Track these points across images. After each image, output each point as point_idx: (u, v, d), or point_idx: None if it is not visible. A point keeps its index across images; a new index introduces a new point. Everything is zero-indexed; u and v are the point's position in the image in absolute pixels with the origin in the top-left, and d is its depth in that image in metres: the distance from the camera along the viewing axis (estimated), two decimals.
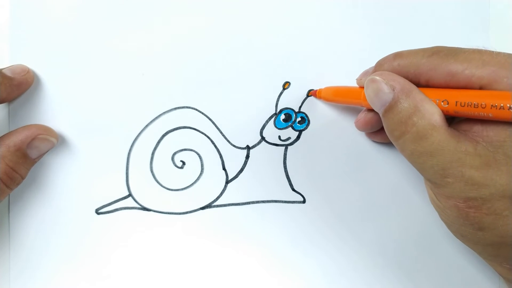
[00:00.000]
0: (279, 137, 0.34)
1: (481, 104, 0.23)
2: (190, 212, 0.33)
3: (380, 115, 0.26)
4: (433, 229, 0.34)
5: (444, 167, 0.23)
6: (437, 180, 0.24)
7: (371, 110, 0.30)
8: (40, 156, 0.31)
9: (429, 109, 0.24)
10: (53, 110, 0.32)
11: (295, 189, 0.34)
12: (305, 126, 0.34)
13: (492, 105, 0.22)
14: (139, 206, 0.33)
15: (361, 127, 0.32)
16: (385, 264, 0.34)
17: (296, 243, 0.33)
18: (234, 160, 0.34)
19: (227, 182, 0.34)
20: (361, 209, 0.34)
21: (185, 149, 0.33)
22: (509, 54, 0.23)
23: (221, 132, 0.34)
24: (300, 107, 0.34)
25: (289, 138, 0.34)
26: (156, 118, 0.33)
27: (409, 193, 0.34)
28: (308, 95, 0.33)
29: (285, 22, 0.34)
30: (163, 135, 0.33)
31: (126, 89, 0.33)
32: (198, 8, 0.33)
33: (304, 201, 0.34)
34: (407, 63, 0.25)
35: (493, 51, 0.23)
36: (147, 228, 0.33)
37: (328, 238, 0.34)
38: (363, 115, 0.31)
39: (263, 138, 0.34)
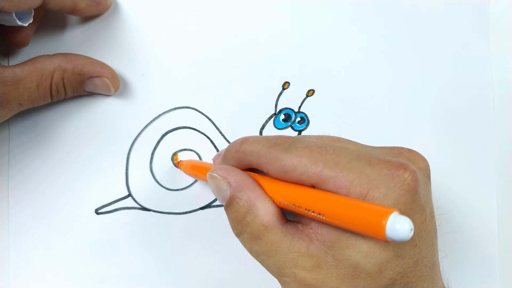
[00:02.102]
0: None
1: (298, 206, 0.22)
2: (190, 212, 0.33)
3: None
4: None
5: (280, 267, 0.23)
6: (277, 278, 0.24)
7: None
8: (91, 93, 0.32)
9: (263, 208, 0.23)
10: (53, 110, 0.32)
11: None
12: (304, 126, 0.34)
13: (306, 209, 0.21)
14: (138, 206, 0.33)
15: None
16: None
17: None
18: None
19: None
20: None
21: (185, 149, 0.33)
22: (339, 150, 0.22)
23: (220, 132, 0.34)
24: (299, 107, 0.34)
25: None
26: (156, 118, 0.33)
27: None
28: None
29: (285, 22, 0.34)
30: (163, 135, 0.33)
31: (126, 89, 0.33)
32: (198, 8, 0.33)
33: None
34: (250, 151, 0.24)
35: (327, 146, 0.22)
36: (147, 228, 0.33)
37: None
38: None
39: None
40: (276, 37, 0.34)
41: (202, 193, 0.33)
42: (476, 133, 0.35)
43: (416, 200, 0.22)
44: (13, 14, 0.26)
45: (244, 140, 0.25)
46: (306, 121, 0.34)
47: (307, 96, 0.34)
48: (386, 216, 0.18)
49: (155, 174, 0.33)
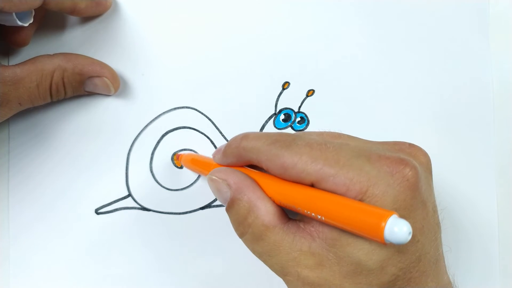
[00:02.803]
0: None
1: (298, 209, 0.22)
2: (190, 212, 0.33)
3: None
4: None
5: (282, 266, 0.23)
6: (281, 277, 0.24)
7: None
8: (91, 93, 0.32)
9: (263, 209, 0.23)
10: (53, 110, 0.33)
11: None
12: (304, 126, 0.34)
13: (306, 211, 0.21)
14: (138, 206, 0.33)
15: None
16: None
17: None
18: None
19: None
20: None
21: (185, 149, 0.33)
22: (339, 146, 0.22)
23: (220, 132, 0.34)
24: (299, 107, 0.34)
25: None
26: (156, 118, 0.33)
27: None
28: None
29: (285, 22, 0.34)
30: (163, 135, 0.33)
31: (126, 89, 0.33)
32: (198, 8, 0.33)
33: None
34: (251, 147, 0.24)
35: (327, 143, 0.22)
36: (147, 228, 0.33)
37: None
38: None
39: None
40: (276, 37, 0.34)
41: (202, 193, 0.33)
42: (476, 133, 0.35)
43: (417, 196, 0.22)
44: (13, 14, 0.26)
45: (245, 136, 0.25)
46: (306, 121, 0.34)
47: (307, 96, 0.34)
48: (385, 219, 0.18)
49: (155, 174, 0.33)
